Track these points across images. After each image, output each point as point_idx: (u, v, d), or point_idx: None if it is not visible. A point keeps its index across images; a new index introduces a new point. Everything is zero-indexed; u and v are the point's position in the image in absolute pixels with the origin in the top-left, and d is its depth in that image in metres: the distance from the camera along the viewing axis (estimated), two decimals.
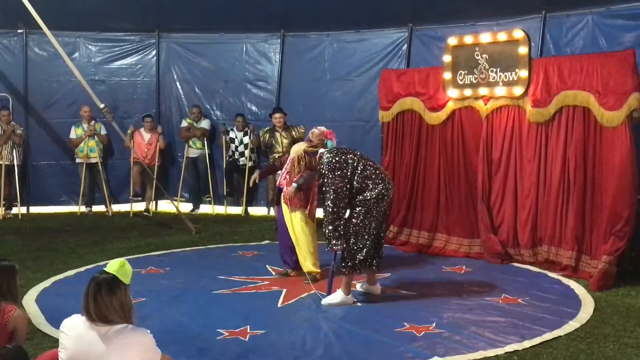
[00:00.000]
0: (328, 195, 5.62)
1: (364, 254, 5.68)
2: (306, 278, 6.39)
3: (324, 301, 5.74)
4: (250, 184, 7.60)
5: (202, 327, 5.10)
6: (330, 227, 5.60)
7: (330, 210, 5.59)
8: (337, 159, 5.68)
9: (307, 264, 6.45)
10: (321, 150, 6.01)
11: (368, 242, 5.69)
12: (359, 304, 5.80)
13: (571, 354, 4.54)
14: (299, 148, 6.47)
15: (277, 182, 6.84)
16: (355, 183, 5.65)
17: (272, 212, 9.55)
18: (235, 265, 7.22)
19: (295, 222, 6.45)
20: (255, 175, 7.30)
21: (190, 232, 9.02)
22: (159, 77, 11.21)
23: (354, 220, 5.68)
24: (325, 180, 5.66)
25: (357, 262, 5.69)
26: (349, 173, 5.64)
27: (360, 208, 5.66)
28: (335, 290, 5.81)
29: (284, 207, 6.52)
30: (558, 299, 5.89)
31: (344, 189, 5.61)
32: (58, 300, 5.69)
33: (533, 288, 6.24)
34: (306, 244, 6.45)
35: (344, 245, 5.64)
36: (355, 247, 5.68)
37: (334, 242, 5.60)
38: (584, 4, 8.28)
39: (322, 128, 6.43)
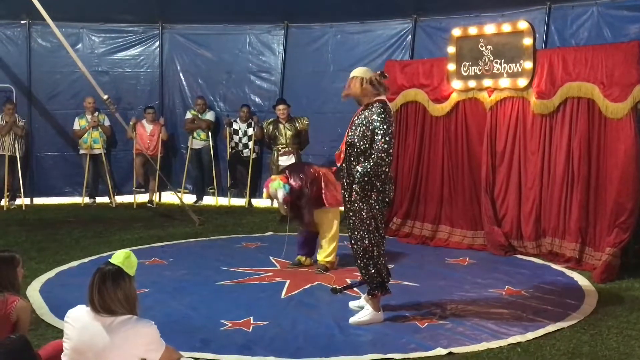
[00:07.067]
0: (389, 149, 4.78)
1: (374, 268, 4.99)
2: (317, 268, 6.49)
3: (352, 320, 5.04)
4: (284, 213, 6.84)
5: (206, 318, 5.11)
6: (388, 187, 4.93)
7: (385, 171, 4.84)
8: (389, 117, 4.87)
9: (331, 254, 6.53)
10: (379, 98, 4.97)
11: (373, 254, 4.97)
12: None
13: (574, 345, 4.53)
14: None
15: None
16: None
17: (275, 204, 9.52)
18: (239, 256, 7.23)
19: (334, 215, 6.51)
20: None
21: (193, 224, 9.02)
22: (162, 69, 11.21)
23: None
24: (385, 129, 4.78)
25: (369, 278, 5.07)
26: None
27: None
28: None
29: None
30: (561, 291, 5.88)
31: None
32: (62, 291, 5.71)
33: (536, 280, 6.24)
34: (336, 235, 6.53)
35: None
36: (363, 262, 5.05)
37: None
38: None
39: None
